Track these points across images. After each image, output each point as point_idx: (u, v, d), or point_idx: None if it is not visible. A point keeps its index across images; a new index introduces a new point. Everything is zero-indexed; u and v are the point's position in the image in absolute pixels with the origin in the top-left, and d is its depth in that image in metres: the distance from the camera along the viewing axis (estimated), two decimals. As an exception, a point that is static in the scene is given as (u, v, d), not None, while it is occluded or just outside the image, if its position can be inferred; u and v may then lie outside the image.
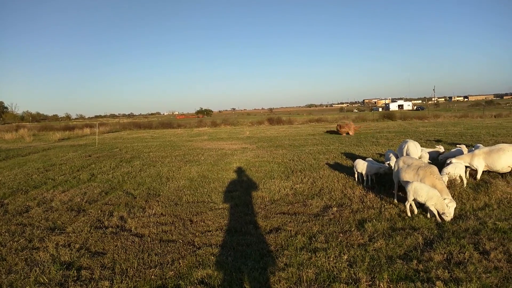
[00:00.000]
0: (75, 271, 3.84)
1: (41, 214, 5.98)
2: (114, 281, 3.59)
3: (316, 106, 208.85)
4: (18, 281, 3.64)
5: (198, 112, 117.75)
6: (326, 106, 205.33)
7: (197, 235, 4.84)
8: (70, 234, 4.99)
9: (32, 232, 5.09)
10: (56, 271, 3.82)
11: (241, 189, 7.33)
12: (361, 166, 7.36)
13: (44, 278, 3.69)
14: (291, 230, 4.82)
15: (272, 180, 7.98)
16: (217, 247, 4.38)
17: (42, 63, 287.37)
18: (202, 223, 5.32)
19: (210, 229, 5.07)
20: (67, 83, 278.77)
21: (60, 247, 4.52)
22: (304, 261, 3.87)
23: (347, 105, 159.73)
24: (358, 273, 3.52)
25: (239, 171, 9.40)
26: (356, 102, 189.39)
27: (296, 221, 5.20)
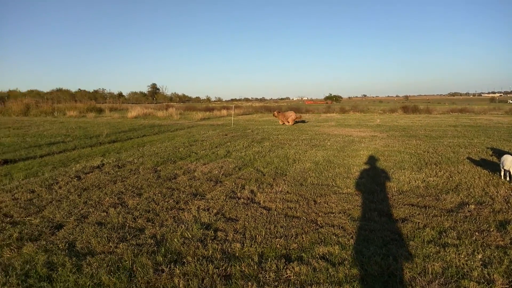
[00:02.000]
0: (212, 232, 4.41)
1: (186, 181, 6.87)
2: (245, 244, 4.04)
3: (460, 95, 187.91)
4: (168, 234, 4.33)
5: (326, 98, 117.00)
6: (474, 95, 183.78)
7: (320, 215, 5.06)
8: (209, 201, 5.67)
9: (179, 196, 5.92)
10: (197, 230, 4.42)
11: (367, 177, 7.29)
12: (509, 162, 6.64)
13: (188, 234, 4.32)
14: (419, 222, 4.69)
15: (402, 171, 7.73)
16: (339, 228, 4.53)
17: (189, 50, 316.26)
18: (326, 205, 5.51)
19: (333, 211, 5.23)
20: (210, 69, 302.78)
21: (201, 210, 5.20)
22: (431, 254, 3.78)
23: (500, 95, 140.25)
24: (493, 274, 3.30)
25: (366, 158, 9.29)
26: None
27: (425, 214, 5.02)
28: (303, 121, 23.94)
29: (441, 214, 5.02)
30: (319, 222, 4.75)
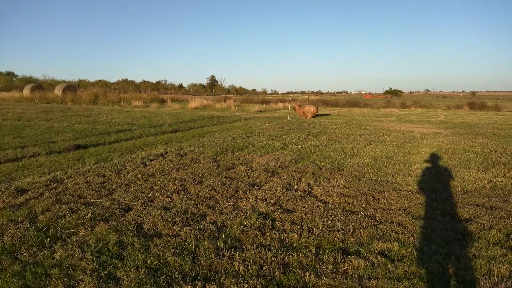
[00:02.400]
0: (270, 221, 4.52)
1: (244, 171, 7.04)
2: (302, 235, 4.10)
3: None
4: (228, 221, 4.50)
5: (386, 92, 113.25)
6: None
7: (378, 211, 4.99)
8: (266, 191, 5.78)
9: (237, 185, 6.09)
10: (256, 219, 4.55)
11: (429, 175, 7.05)
12: None
13: (247, 222, 4.46)
14: (484, 224, 4.49)
15: (467, 170, 7.37)
16: (398, 225, 4.45)
17: (247, 43, 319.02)
18: (385, 201, 5.42)
19: (393, 208, 5.14)
20: (266, 61, 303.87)
21: (259, 200, 5.32)
22: (497, 256, 3.62)
23: None
24: None
25: (428, 156, 8.95)
26: None
27: (491, 215, 4.79)
28: (326, 115, 23.79)
29: (509, 216, 4.76)
30: (377, 218, 4.70)
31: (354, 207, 5.14)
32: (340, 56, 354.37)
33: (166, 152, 8.90)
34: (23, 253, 3.59)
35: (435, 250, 3.73)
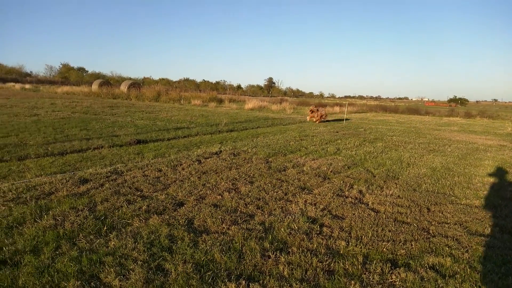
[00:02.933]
0: (318, 226, 4.49)
1: (295, 174, 7.04)
2: (350, 243, 4.04)
3: None
4: (276, 223, 4.53)
5: (450, 101, 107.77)
6: None
7: (432, 223, 4.79)
8: (316, 196, 5.75)
9: (287, 188, 6.11)
10: (303, 222, 4.54)
11: (490, 189, 6.63)
12: None
13: (294, 225, 4.47)
14: (549, 246, 4.18)
15: (534, 187, 6.86)
16: (453, 240, 4.24)
17: (305, 46, 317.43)
18: (440, 214, 5.18)
19: (448, 221, 4.90)
20: (324, 65, 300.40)
21: (308, 204, 5.31)
22: (561, 282, 3.36)
23: None
24: None
25: (492, 169, 8.42)
26: None
27: (558, 237, 4.44)
28: (344, 119, 22.90)
29: None
30: (431, 231, 4.51)
31: (407, 218, 4.96)
32: (403, 60, 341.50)
33: (221, 151, 9.11)
34: (81, 240, 3.85)
35: (491, 269, 3.52)
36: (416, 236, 4.32)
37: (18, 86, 47.91)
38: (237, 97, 49.53)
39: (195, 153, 8.75)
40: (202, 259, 3.51)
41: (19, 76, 74.08)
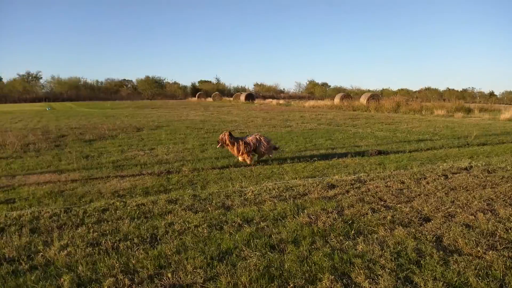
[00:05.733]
0: None
1: None
2: None
3: None
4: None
5: None
6: None
7: None
8: None
9: None
10: None
11: None
12: None
13: None
14: None
15: None
16: None
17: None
18: None
19: None
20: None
21: None
22: None
23: None
24: None
25: None
26: None
27: None
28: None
29: None
30: None
31: None
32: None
33: (471, 166, 8.19)
34: (332, 239, 4.20)
35: None
36: None
37: (274, 101, 56.21)
38: (490, 105, 43.28)
39: (440, 167, 8.15)
40: (455, 279, 3.28)
41: (275, 93, 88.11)
